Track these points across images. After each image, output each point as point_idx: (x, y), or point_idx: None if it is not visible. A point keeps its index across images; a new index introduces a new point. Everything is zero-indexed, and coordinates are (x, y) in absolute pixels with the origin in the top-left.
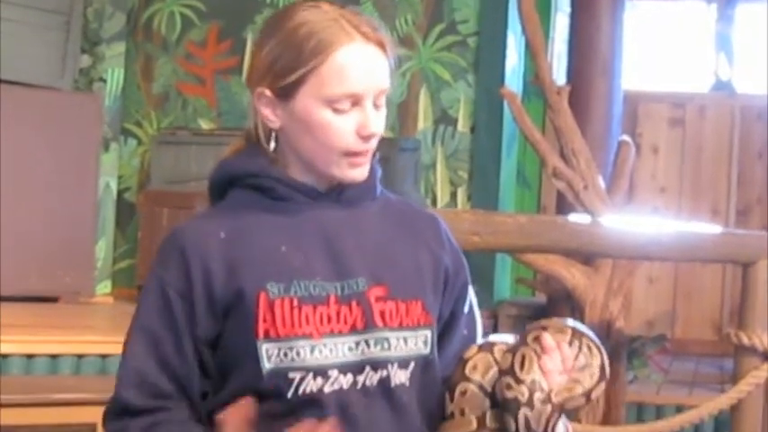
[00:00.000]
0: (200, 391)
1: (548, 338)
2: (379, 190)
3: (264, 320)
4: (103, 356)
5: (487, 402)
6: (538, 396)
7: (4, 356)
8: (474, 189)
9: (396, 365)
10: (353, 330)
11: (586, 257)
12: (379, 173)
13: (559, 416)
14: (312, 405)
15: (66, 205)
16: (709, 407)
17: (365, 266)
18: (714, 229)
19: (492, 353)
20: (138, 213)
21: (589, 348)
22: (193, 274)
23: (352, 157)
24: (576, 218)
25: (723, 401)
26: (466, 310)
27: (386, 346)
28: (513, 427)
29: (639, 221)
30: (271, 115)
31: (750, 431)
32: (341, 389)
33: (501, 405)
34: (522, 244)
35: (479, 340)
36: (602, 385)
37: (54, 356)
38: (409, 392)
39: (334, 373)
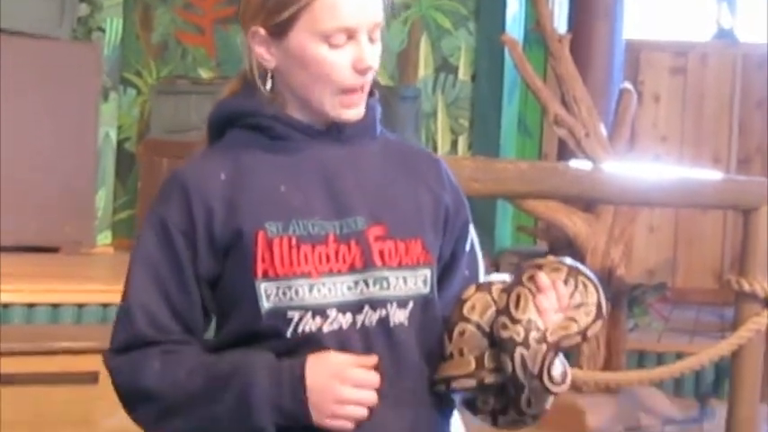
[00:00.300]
0: (201, 330)
1: (543, 277)
2: (379, 129)
3: (263, 260)
4: (104, 305)
5: (486, 342)
6: (533, 335)
7: (5, 306)
8: (475, 137)
9: (395, 305)
10: (352, 270)
11: (587, 204)
12: (379, 112)
13: (555, 355)
14: (311, 344)
15: (65, 156)
16: (710, 353)
17: (364, 205)
18: (715, 175)
19: (490, 293)
20: (137, 163)
21: (585, 286)
22: (195, 214)
23: (348, 94)
24: (578, 164)
25: (724, 348)
26: (467, 249)
27: (385, 285)
28: (509, 366)
29: (641, 168)
30: (265, 54)
31: (750, 377)
32: (340, 328)
33: (497, 345)
34: (522, 190)
35: (481, 276)
36: (599, 323)
37: (55, 306)
38: (408, 332)
39: (332, 312)
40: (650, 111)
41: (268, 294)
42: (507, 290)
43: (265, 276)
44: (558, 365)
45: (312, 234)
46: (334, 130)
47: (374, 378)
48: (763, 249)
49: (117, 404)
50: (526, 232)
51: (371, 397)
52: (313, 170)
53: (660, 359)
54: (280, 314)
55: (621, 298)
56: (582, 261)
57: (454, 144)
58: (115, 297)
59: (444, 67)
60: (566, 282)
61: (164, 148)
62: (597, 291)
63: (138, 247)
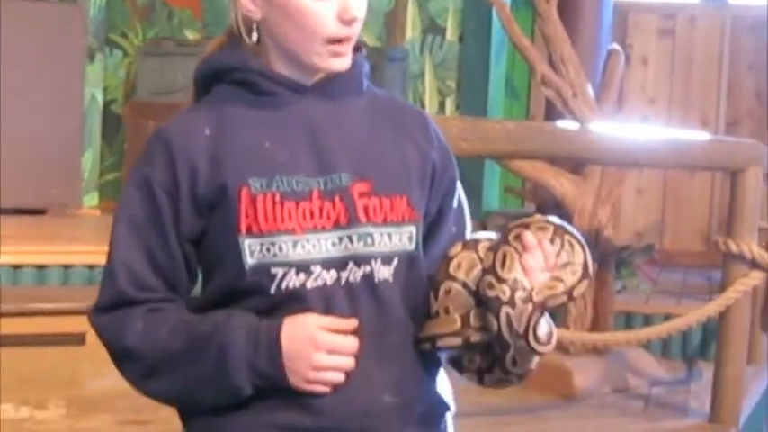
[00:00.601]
0: (186, 288)
1: (529, 236)
2: (366, 85)
3: (247, 216)
4: (91, 267)
5: (472, 301)
6: (519, 295)
7: None
8: (462, 98)
9: (379, 261)
10: (337, 226)
11: (575, 165)
12: (366, 68)
13: (541, 314)
14: (295, 301)
15: (51, 118)
16: (698, 314)
17: (349, 162)
18: (703, 136)
19: (477, 251)
20: (124, 125)
21: (571, 245)
22: (179, 171)
23: (335, 44)
24: (565, 124)
25: (711, 309)
26: (454, 206)
27: (369, 241)
28: (495, 325)
29: (629, 129)
30: (250, 5)
31: (737, 338)
32: (324, 284)
33: (483, 304)
34: (510, 150)
35: (468, 234)
36: (585, 283)
37: (41, 267)
38: (393, 288)
39: (317, 268)
40: (638, 73)
41: (252, 251)
42: (493, 249)
43: (249, 233)
44: (544, 325)
45: (296, 190)
46: (320, 86)
47: (351, 343)
48: (750, 211)
49: (104, 365)
50: (513, 194)
51: (347, 363)
52: (298, 126)
53: (647, 321)
54: (263, 270)
55: (609, 259)
56: (569, 222)
57: (441, 105)
58: (102, 258)
59: (432, 28)
60: (552, 241)
61: (150, 109)
62: (584, 250)
63: (121, 206)
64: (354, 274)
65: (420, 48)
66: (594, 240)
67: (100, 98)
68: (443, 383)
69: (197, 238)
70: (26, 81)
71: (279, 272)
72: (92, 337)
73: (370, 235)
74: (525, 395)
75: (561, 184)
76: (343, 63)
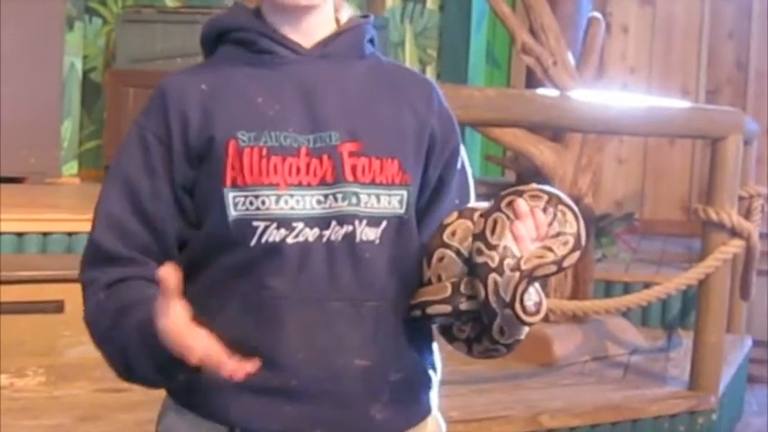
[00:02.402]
0: (177, 236)
1: (521, 204)
2: (369, 50)
3: (233, 168)
4: (70, 234)
5: (464, 269)
6: (508, 262)
7: None
8: (443, 67)
9: (364, 222)
10: (322, 183)
11: (555, 133)
12: (371, 33)
13: (529, 283)
14: (272, 255)
15: (30, 86)
16: (677, 282)
17: (341, 121)
18: (684, 104)
19: (472, 219)
20: (103, 93)
21: (564, 215)
22: (172, 121)
23: None
24: (545, 92)
25: (691, 277)
26: (456, 175)
27: (354, 201)
28: (482, 292)
29: (609, 96)
30: None
31: (717, 307)
32: (305, 241)
33: (472, 269)
34: (489, 117)
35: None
36: (576, 254)
37: (20, 234)
38: (377, 250)
39: (299, 225)
40: (619, 42)
41: (235, 203)
42: (485, 215)
43: (234, 185)
44: (533, 295)
45: (284, 146)
46: (319, 48)
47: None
48: (730, 179)
49: (83, 333)
50: (494, 161)
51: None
52: (293, 84)
53: (627, 289)
54: (245, 223)
55: (589, 228)
56: None
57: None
58: (82, 226)
59: None
60: (545, 210)
61: (130, 77)
62: (577, 221)
63: (116, 158)
64: (337, 233)
65: (401, 16)
66: None
67: (79, 66)
68: (434, 357)
69: (190, 188)
70: (4, 50)
71: (260, 225)
72: (70, 304)
73: (356, 194)
74: (505, 363)
75: (541, 151)
76: None
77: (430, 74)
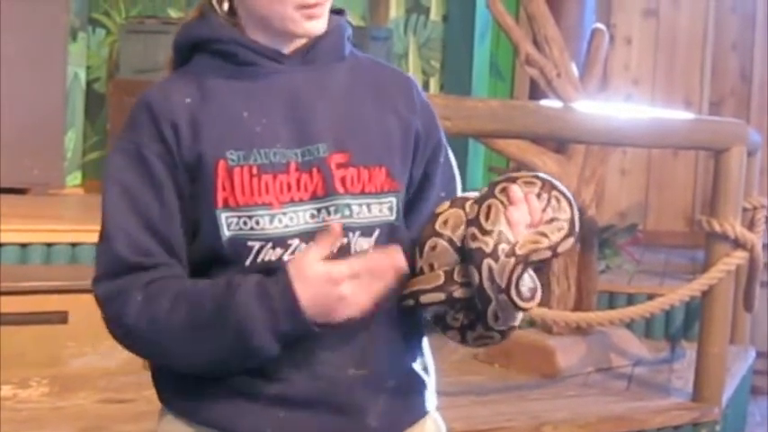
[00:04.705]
0: (185, 246)
1: (515, 189)
2: (348, 49)
3: (223, 189)
4: (73, 245)
5: (457, 258)
6: (502, 248)
7: None
8: (446, 79)
9: (357, 233)
10: (314, 197)
11: (559, 145)
12: (348, 31)
13: (524, 269)
14: (270, 273)
15: (34, 96)
16: (681, 294)
17: (328, 132)
18: (687, 116)
19: (464, 208)
20: (107, 104)
21: (558, 201)
22: (167, 136)
23: (308, 8)
24: (549, 104)
25: (694, 288)
26: (440, 168)
27: (347, 213)
28: (476, 278)
29: (613, 108)
30: None
31: (720, 318)
32: None
33: (466, 256)
34: (493, 129)
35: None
36: (571, 240)
37: (23, 245)
38: None
39: (294, 241)
40: (622, 53)
41: (228, 224)
42: (478, 201)
43: (226, 206)
44: (528, 281)
45: (273, 162)
46: (300, 54)
47: (362, 264)
48: (734, 190)
49: (86, 343)
50: (498, 173)
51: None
52: (277, 96)
53: (631, 300)
54: (240, 243)
55: (592, 239)
56: None
57: (426, 85)
58: (85, 236)
59: (416, 7)
60: (539, 196)
61: (133, 88)
62: (571, 207)
63: (109, 175)
64: (332, 246)
65: (404, 27)
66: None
67: (83, 77)
68: (426, 359)
69: (189, 196)
70: (7, 60)
71: (255, 245)
72: (74, 315)
73: (348, 206)
74: (508, 374)
75: (545, 163)
76: (318, 26)
77: (434, 85)
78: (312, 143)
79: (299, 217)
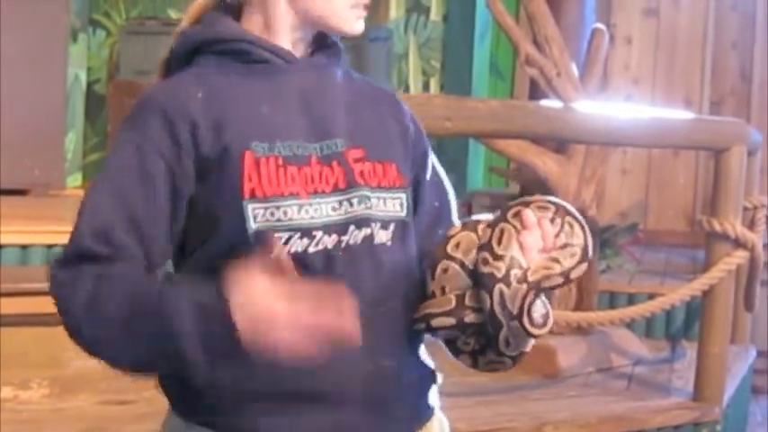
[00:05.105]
0: (164, 243)
1: (528, 214)
2: (343, 60)
3: (250, 180)
4: None
5: (469, 282)
6: (514, 273)
7: None
8: (446, 79)
9: (378, 225)
10: (336, 190)
11: (559, 145)
12: (341, 45)
13: (536, 295)
14: (297, 265)
15: (34, 97)
16: (681, 293)
17: (342, 129)
18: (687, 115)
19: (476, 231)
20: (107, 105)
21: (571, 227)
22: (181, 135)
23: (360, 8)
24: (549, 103)
25: (695, 288)
26: (428, 178)
27: (368, 204)
28: (488, 303)
29: (613, 108)
30: None
31: (721, 318)
32: (325, 249)
33: (477, 280)
34: (493, 129)
35: (454, 208)
36: (583, 266)
37: (24, 247)
38: (390, 253)
39: (318, 233)
40: (622, 53)
41: (255, 215)
42: (491, 225)
43: (253, 197)
44: (540, 307)
45: (297, 155)
46: (306, 57)
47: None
48: (734, 190)
49: None
50: (498, 173)
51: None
52: (290, 94)
53: (631, 300)
54: (267, 234)
55: (593, 239)
56: None
57: (426, 85)
58: None
59: (416, 7)
60: (552, 221)
61: (134, 89)
62: (584, 232)
63: (106, 171)
64: (355, 237)
65: (404, 27)
66: None
67: (83, 78)
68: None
69: (195, 200)
70: (7, 61)
71: (283, 236)
72: None
73: (368, 198)
74: (509, 374)
75: (545, 163)
76: (362, 26)
77: (434, 85)
78: (330, 138)
79: (322, 209)
